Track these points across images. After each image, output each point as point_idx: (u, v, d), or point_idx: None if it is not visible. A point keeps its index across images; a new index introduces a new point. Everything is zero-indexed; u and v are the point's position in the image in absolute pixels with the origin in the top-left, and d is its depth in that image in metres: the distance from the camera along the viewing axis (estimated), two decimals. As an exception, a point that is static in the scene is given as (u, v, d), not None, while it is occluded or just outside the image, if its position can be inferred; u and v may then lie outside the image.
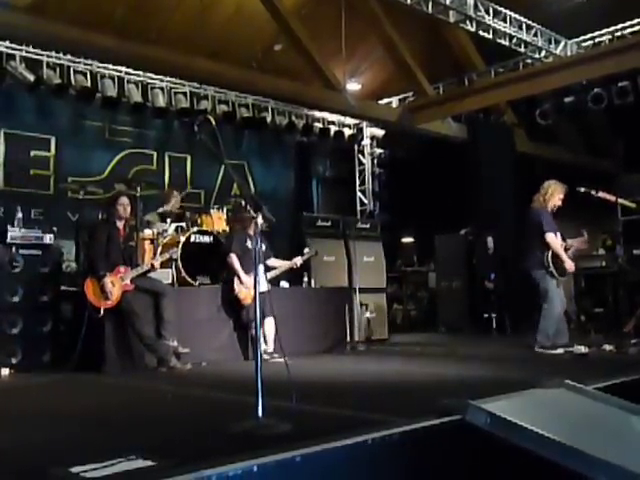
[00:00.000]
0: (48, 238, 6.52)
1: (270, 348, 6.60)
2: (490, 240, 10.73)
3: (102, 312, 5.89)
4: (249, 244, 6.95)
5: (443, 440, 2.93)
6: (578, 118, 13.15)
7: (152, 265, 6.26)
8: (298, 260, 7.56)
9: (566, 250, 6.80)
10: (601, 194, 7.01)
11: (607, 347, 6.63)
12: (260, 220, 6.80)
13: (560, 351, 6.53)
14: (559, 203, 6.90)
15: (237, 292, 6.85)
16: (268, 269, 7.10)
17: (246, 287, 6.80)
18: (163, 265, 6.56)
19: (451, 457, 2.97)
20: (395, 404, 3.86)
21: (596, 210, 8.00)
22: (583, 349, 6.48)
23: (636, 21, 10.23)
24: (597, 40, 10.86)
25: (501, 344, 8.76)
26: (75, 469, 2.38)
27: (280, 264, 7.40)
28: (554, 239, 6.69)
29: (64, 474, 2.38)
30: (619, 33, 10.45)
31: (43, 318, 6.36)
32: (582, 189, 6.93)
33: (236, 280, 6.86)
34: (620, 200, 7.49)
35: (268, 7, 10.11)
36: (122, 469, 2.40)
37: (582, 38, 11.08)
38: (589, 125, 14.16)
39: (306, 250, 7.95)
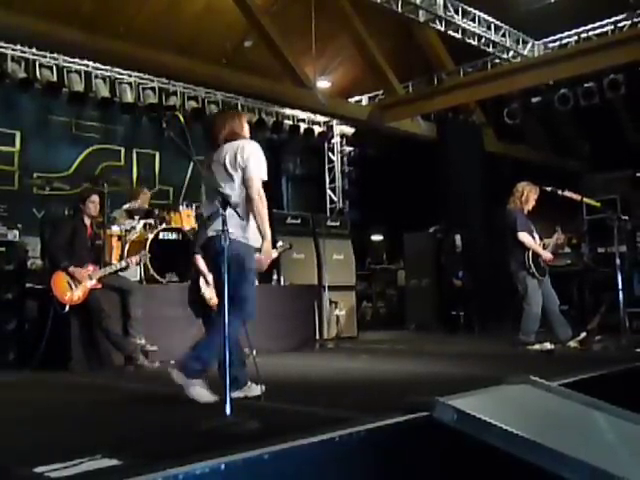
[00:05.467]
0: (13, 235, 6.42)
1: None
2: (458, 238, 10.80)
3: (67, 308, 5.81)
4: None
5: (411, 437, 2.95)
6: (545, 118, 13.34)
7: (128, 263, 6.20)
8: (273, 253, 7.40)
9: (544, 248, 6.88)
10: (567, 193, 7.10)
11: (572, 344, 6.72)
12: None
13: (538, 346, 6.58)
14: (533, 204, 6.99)
15: (202, 292, 6.74)
16: None
17: (212, 287, 6.70)
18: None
19: (418, 454, 2.98)
20: (363, 401, 3.87)
21: (562, 209, 8.11)
22: (549, 346, 6.57)
23: (598, 24, 10.42)
24: (564, 41, 11.05)
25: (468, 341, 8.85)
26: (39, 469, 2.34)
27: None
28: (527, 237, 6.76)
29: (28, 474, 2.34)
30: (585, 35, 10.63)
31: (8, 316, 6.25)
32: (548, 188, 7.01)
33: (202, 280, 6.75)
34: (585, 199, 7.60)
35: (238, 3, 10.07)
36: (87, 469, 2.37)
37: (549, 39, 11.27)
38: (556, 125, 14.36)
39: (279, 243, 7.77)
